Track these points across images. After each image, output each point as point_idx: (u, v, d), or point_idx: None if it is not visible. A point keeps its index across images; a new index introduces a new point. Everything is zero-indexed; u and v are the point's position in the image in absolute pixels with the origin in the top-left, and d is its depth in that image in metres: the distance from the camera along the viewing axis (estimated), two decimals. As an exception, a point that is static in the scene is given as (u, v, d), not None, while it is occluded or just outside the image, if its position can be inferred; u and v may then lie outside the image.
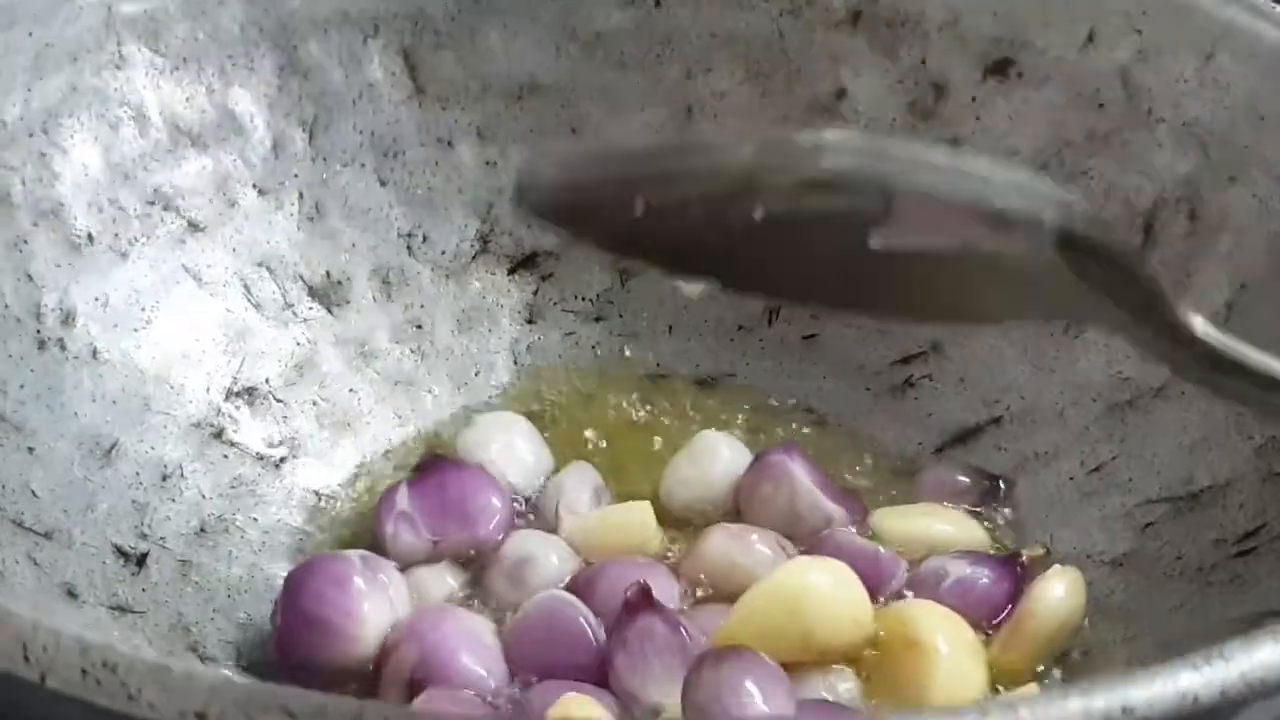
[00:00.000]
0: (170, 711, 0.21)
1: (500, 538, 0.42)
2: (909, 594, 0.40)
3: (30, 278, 0.41)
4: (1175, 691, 0.21)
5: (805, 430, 0.47)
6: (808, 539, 0.42)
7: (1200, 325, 0.27)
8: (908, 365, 0.47)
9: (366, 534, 0.43)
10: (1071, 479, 0.43)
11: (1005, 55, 0.45)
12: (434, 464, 0.43)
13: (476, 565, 0.42)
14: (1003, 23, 0.45)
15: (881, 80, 0.47)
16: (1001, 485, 0.44)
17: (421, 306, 0.48)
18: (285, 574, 0.40)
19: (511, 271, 0.49)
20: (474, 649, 0.37)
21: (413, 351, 0.48)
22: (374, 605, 0.38)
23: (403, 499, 0.42)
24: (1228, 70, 0.42)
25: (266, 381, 0.46)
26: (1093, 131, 0.44)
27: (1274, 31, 0.42)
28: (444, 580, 0.41)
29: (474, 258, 0.49)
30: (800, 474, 0.43)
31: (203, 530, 0.42)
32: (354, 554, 0.40)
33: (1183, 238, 0.42)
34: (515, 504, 0.43)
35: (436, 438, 0.47)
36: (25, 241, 0.41)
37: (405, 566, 0.41)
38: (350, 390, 0.47)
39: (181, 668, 0.21)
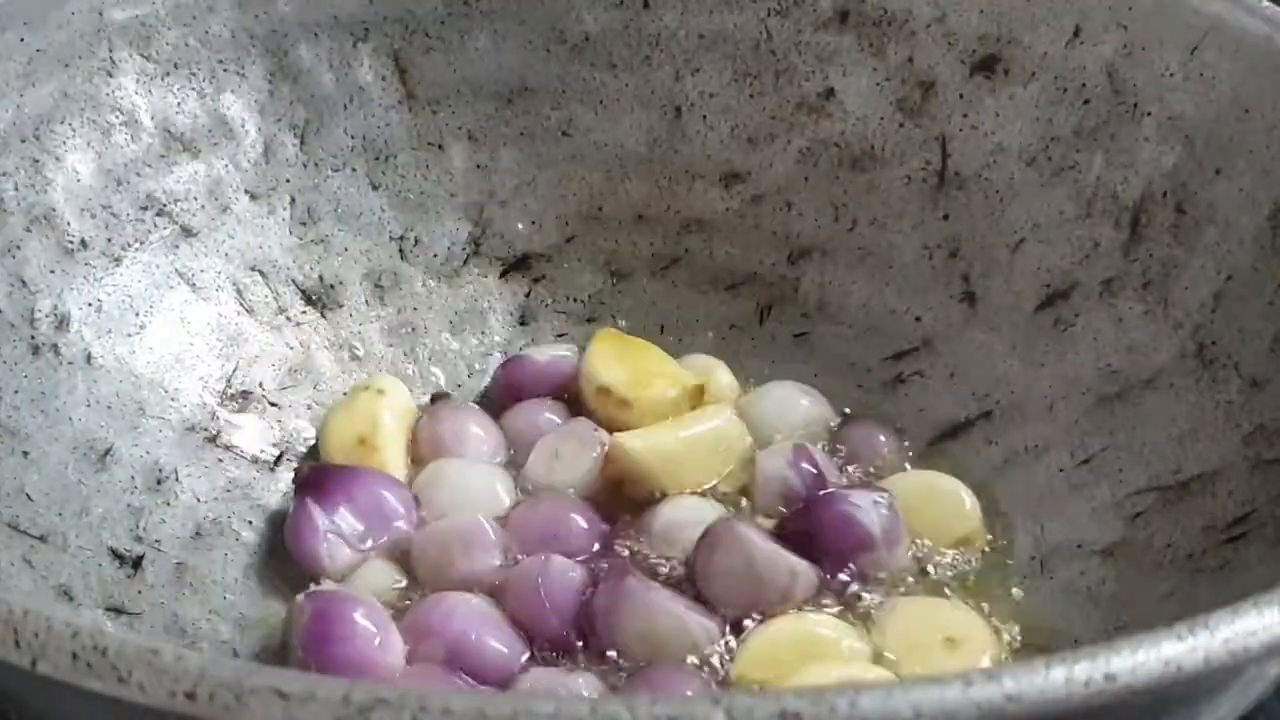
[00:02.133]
0: (160, 693, 0.21)
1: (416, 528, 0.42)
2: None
3: (24, 283, 0.41)
4: (1158, 660, 0.21)
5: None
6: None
7: None
8: (899, 361, 0.47)
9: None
10: (1061, 471, 0.43)
11: (992, 52, 0.46)
12: (322, 474, 0.42)
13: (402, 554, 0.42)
14: (989, 20, 0.46)
15: (869, 79, 0.47)
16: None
17: (414, 309, 0.49)
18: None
19: (503, 274, 0.49)
20: (490, 627, 0.38)
21: (406, 354, 0.48)
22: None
23: (320, 517, 0.41)
24: (1212, 64, 0.42)
25: (260, 385, 0.46)
26: (1079, 126, 0.44)
27: (1259, 25, 0.42)
28: (386, 574, 0.41)
29: (466, 260, 0.49)
30: (754, 537, 0.39)
31: (198, 533, 0.42)
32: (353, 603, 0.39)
33: (1169, 230, 0.42)
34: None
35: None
36: (18, 247, 0.41)
37: (341, 577, 0.41)
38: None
39: (171, 649, 0.21)
